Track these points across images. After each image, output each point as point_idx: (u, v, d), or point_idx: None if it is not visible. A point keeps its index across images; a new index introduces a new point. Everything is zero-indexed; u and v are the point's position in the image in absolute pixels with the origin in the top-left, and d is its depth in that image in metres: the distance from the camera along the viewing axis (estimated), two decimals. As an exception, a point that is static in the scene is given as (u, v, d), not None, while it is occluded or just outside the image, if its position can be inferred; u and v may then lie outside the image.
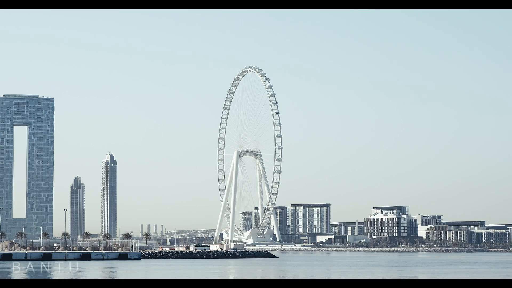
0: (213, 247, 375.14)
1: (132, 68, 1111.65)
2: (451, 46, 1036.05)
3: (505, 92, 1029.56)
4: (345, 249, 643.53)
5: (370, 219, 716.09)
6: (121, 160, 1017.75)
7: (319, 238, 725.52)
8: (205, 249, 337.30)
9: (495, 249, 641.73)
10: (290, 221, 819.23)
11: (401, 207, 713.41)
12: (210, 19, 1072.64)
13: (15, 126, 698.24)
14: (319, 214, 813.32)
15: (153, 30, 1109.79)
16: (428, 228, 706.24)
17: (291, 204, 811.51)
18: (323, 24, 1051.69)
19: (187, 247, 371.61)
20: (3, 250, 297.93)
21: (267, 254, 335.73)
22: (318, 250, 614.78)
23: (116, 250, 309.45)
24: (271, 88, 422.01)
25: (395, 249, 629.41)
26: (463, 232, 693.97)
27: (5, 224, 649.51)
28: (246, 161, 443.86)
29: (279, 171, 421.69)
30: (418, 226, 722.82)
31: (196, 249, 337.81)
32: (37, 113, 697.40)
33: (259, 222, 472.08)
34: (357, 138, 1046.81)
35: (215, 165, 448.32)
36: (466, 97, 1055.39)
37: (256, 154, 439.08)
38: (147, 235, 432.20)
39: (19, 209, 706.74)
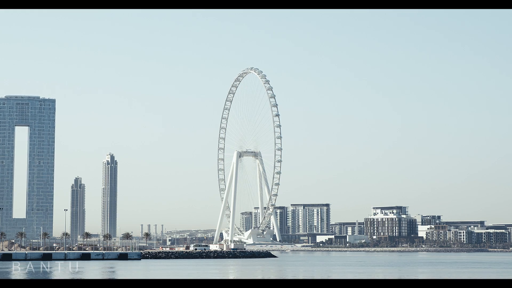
0: (213, 247, 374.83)
1: (133, 69, 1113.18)
2: (450, 47, 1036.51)
3: (503, 92, 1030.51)
4: (345, 249, 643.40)
5: (370, 219, 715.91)
6: (121, 161, 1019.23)
7: (319, 238, 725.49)
8: (205, 249, 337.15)
9: (495, 249, 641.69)
10: (290, 221, 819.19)
11: (401, 207, 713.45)
12: (210, 20, 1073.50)
13: (16, 127, 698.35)
14: (319, 214, 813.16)
15: (154, 30, 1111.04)
16: (428, 228, 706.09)
17: (291, 204, 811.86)
18: (323, 25, 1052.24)
19: (187, 247, 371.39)
20: (3, 250, 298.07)
21: (267, 254, 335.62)
22: (318, 250, 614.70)
23: (116, 250, 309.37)
24: (271, 90, 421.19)
25: (395, 249, 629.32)
26: (463, 232, 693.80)
27: (5, 224, 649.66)
28: (246, 161, 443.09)
29: (279, 172, 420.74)
30: (418, 226, 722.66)
31: (196, 249, 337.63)
32: (38, 114, 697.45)
33: (259, 222, 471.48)
34: (356, 139, 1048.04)
35: (215, 165, 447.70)
36: (465, 97, 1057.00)
37: (256, 155, 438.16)
38: (147, 235, 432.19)
39: (19, 209, 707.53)
